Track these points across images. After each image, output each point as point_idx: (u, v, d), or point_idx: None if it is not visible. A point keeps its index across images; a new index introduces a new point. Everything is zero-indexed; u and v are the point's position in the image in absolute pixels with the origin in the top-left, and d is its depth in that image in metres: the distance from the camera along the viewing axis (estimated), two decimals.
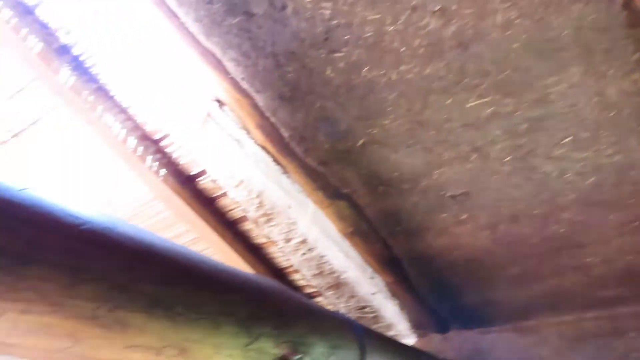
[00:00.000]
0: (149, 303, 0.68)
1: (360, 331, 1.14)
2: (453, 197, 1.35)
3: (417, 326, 1.94)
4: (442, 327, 1.92)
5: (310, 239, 1.63)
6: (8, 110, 1.19)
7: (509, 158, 1.20)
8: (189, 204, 1.32)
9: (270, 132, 1.33)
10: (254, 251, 1.56)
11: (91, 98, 1.14)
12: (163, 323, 0.69)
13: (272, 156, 1.40)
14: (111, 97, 1.18)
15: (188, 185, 1.35)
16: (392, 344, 1.29)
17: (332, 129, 1.26)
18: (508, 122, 1.12)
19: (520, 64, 1.01)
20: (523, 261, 1.50)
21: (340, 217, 1.55)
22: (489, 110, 1.11)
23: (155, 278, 0.70)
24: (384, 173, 1.35)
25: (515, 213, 1.34)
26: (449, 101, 1.11)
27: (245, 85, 1.22)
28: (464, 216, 1.40)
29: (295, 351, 0.90)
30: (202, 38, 1.15)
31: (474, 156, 1.22)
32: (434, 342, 1.96)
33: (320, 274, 1.76)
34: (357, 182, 1.40)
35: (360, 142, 1.27)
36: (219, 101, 1.31)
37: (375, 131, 1.23)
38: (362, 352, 1.10)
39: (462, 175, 1.28)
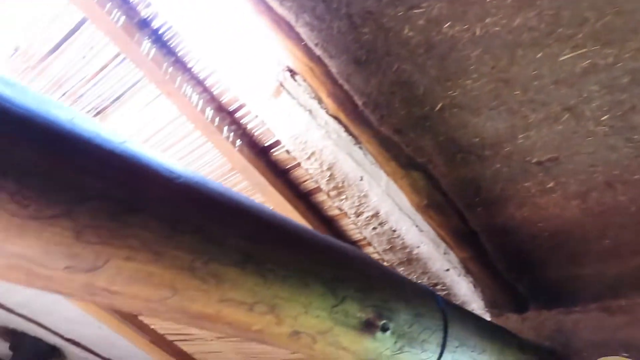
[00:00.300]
0: (241, 258, 0.68)
1: (441, 302, 1.10)
2: (539, 163, 1.26)
3: (492, 305, 1.85)
4: (520, 307, 1.82)
5: (382, 213, 1.59)
6: (93, 86, 1.25)
7: (606, 117, 1.10)
8: (264, 175, 1.33)
9: (343, 100, 1.30)
10: (327, 223, 1.55)
11: (171, 70, 1.17)
12: (254, 279, 0.69)
13: (344, 126, 1.37)
14: (189, 69, 1.20)
15: (263, 156, 1.36)
16: (473, 317, 1.24)
17: (409, 93, 1.21)
18: (607, 76, 1.02)
19: (624, 6, 0.91)
20: (616, 233, 1.38)
21: (414, 189, 1.49)
22: (585, 63, 1.02)
23: (246, 234, 0.70)
24: (464, 139, 1.28)
25: (611, 179, 1.23)
26: (540, 55, 1.03)
27: (318, 51, 1.20)
28: (551, 184, 1.31)
29: (379, 316, 0.88)
30: (274, 4, 1.14)
31: (565, 116, 1.13)
32: (510, 322, 1.86)
33: (392, 249, 1.72)
34: (434, 150, 1.34)
35: (439, 106, 1.21)
36: (290, 70, 1.29)
37: (455, 93, 1.17)
38: (445, 323, 1.06)
39: (551, 138, 1.19)
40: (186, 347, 2.58)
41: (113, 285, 0.59)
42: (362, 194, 1.55)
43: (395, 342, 0.93)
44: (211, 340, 2.36)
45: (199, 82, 1.23)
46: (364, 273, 0.91)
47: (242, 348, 2.34)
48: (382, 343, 0.90)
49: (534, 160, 1.26)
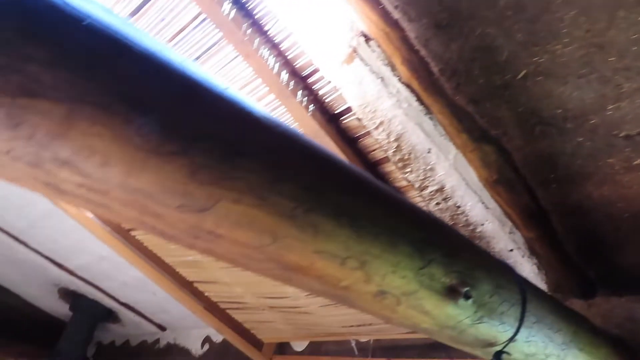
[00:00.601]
0: (337, 211, 0.67)
1: (519, 277, 1.07)
2: (628, 137, 1.19)
3: (556, 289, 1.79)
4: (587, 292, 1.75)
5: (447, 187, 1.56)
6: (172, 48, 1.27)
7: None
8: (335, 142, 1.32)
9: (418, 67, 1.26)
10: None
11: (249, 32, 1.18)
12: (348, 233, 0.68)
13: (417, 95, 1.34)
14: (265, 32, 1.20)
15: (334, 123, 1.35)
16: (547, 296, 1.19)
17: (490, 59, 1.16)
18: None
19: None
20: None
21: (484, 164, 1.44)
22: None
23: (341, 187, 0.70)
24: (545, 110, 1.22)
25: None
26: None
27: (397, 14, 1.16)
28: (638, 161, 1.23)
29: (463, 283, 0.86)
30: None
31: None
32: (575, 308, 1.80)
33: (455, 225, 1.68)
34: (511, 121, 1.29)
35: (522, 73, 1.16)
36: (365, 36, 1.27)
37: (542, 59, 1.11)
38: (523, 298, 1.02)
39: None
40: (237, 316, 2.65)
41: (218, 228, 0.60)
42: (428, 167, 1.52)
43: (476, 312, 0.90)
44: (263, 310, 2.41)
45: (274, 45, 1.22)
46: (449, 239, 0.89)
47: (292, 319, 2.37)
48: (463, 311, 0.88)
49: (622, 134, 1.19)
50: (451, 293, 0.85)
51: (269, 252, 0.65)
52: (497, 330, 0.97)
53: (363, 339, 2.39)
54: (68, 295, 4.03)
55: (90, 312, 4.01)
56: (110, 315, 4.12)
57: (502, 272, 0.99)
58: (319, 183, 0.66)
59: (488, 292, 0.92)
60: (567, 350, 1.17)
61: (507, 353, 1.01)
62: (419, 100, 1.34)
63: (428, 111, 1.37)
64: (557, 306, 1.20)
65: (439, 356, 2.08)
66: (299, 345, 2.79)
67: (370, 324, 2.08)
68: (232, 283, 2.30)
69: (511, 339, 1.00)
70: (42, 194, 0.59)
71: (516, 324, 1.00)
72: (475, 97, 1.27)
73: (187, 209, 0.56)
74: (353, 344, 2.36)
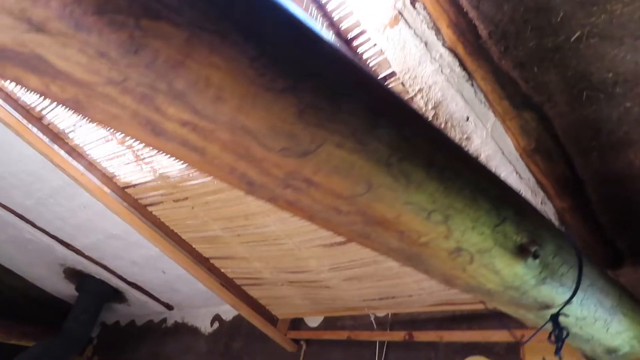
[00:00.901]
0: (427, 161, 0.65)
1: (572, 240, 1.06)
2: None
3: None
4: (614, 262, 1.75)
5: (482, 157, 1.54)
6: None
7: None
8: None
9: (465, 30, 1.23)
10: None
11: None
12: (436, 184, 0.66)
13: (460, 60, 1.30)
14: None
15: None
16: (595, 261, 1.19)
17: (544, 20, 1.12)
18: None
19: None
20: None
21: (523, 132, 1.42)
22: None
23: (431, 139, 0.67)
24: (595, 74, 1.20)
25: None
26: None
27: None
28: None
29: (532, 242, 0.84)
30: None
31: None
32: None
33: None
34: (558, 87, 1.27)
35: (576, 35, 1.13)
36: None
37: (599, 20, 1.08)
38: (580, 260, 1.01)
39: None
40: (253, 292, 2.64)
41: (316, 175, 0.57)
42: (465, 136, 1.50)
43: (540, 272, 0.89)
44: (281, 285, 2.40)
45: (320, 6, 1.19)
46: (517, 198, 0.87)
47: (311, 294, 2.37)
48: (530, 270, 0.87)
49: None
50: (521, 252, 0.83)
51: (358, 203, 0.63)
52: (556, 292, 0.96)
53: (381, 314, 2.40)
54: (74, 275, 4.00)
55: (97, 292, 3.98)
56: (116, 295, 4.10)
57: (560, 233, 0.98)
58: (412, 133, 0.63)
59: (551, 253, 0.91)
60: (614, 315, 1.17)
61: (566, 315, 1.00)
62: (462, 65, 1.31)
63: (470, 77, 1.34)
64: (604, 271, 1.20)
65: (460, 328, 2.10)
66: (314, 321, 2.80)
67: (393, 297, 2.08)
68: (251, 258, 2.28)
69: (568, 302, 0.99)
70: (132, 136, 0.56)
71: (573, 286, 0.99)
72: (523, 61, 1.24)
73: (290, 152, 0.54)
74: (372, 318, 2.36)
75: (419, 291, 1.96)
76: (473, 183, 0.73)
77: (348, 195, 0.61)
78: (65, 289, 4.42)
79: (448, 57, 1.30)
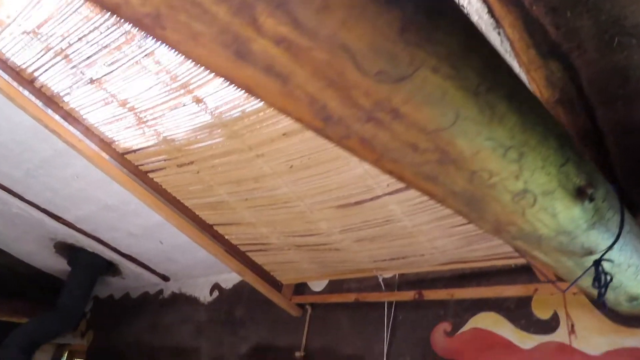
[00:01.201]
0: (510, 93, 0.61)
1: (616, 186, 1.05)
2: None
3: None
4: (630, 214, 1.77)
5: None
6: None
7: None
8: None
9: None
10: None
11: None
12: (516, 118, 0.63)
13: (489, 6, 1.25)
14: None
15: None
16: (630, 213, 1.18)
17: None
18: None
19: None
20: None
21: (547, 83, 1.39)
22: None
23: (509, 71, 0.63)
24: (630, 19, 1.17)
25: None
26: None
27: None
28: None
29: (590, 185, 0.83)
30: None
31: None
32: None
33: None
34: (589, 33, 1.23)
35: None
36: None
37: None
38: (621, 206, 1.01)
39: None
40: (257, 258, 2.61)
41: (405, 105, 0.53)
42: None
43: (592, 216, 0.88)
44: (288, 249, 2.38)
45: None
46: (573, 141, 0.84)
47: (319, 257, 2.36)
48: (585, 214, 0.85)
49: None
50: (580, 194, 0.81)
51: (440, 139, 0.59)
52: (602, 237, 0.95)
53: (388, 275, 2.41)
54: (65, 249, 3.90)
55: (90, 265, 3.90)
56: (110, 268, 4.03)
57: (605, 179, 0.97)
58: (496, 64, 0.59)
59: (602, 197, 0.89)
60: None
61: (610, 260, 1.00)
62: (490, 12, 1.26)
63: (498, 25, 1.29)
64: (636, 220, 1.20)
65: (469, 285, 2.12)
66: (318, 286, 2.80)
67: (404, 257, 2.08)
68: (258, 223, 2.24)
69: (610, 247, 0.99)
70: (205, 62, 0.50)
71: (616, 232, 0.98)
72: (555, 6, 1.19)
73: (386, 76, 0.49)
74: (380, 280, 2.37)
75: (432, 250, 1.96)
76: (544, 120, 0.70)
77: (432, 128, 0.57)
78: (56, 264, 4.32)
79: (477, 3, 1.25)
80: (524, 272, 2.00)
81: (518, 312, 1.98)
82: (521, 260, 1.91)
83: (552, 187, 0.76)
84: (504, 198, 0.75)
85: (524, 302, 1.97)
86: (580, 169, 0.81)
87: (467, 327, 2.09)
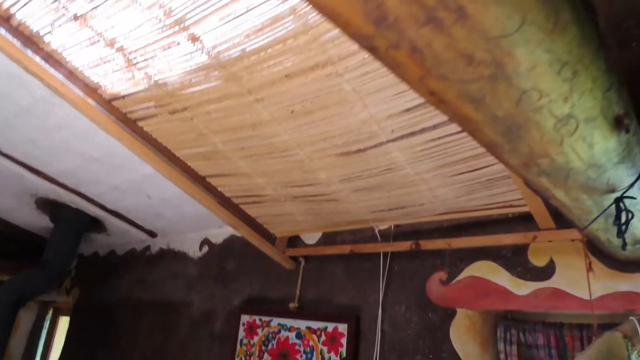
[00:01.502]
0: (572, 1, 0.56)
1: None
2: None
3: None
4: None
5: None
6: None
7: None
8: None
9: None
10: None
11: None
12: (575, 30, 0.58)
13: None
14: None
15: None
16: None
17: None
18: None
19: None
20: None
21: None
22: None
23: None
24: None
25: None
26: None
27: None
28: None
29: (627, 115, 0.79)
30: None
31: None
32: None
33: None
34: None
35: None
36: None
37: None
38: None
39: None
40: (250, 210, 2.57)
41: (473, 2, 0.47)
42: None
43: (624, 149, 0.85)
44: (284, 201, 2.34)
45: None
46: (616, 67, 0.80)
47: (316, 209, 2.33)
48: (618, 146, 0.82)
49: None
50: (618, 124, 0.78)
51: (500, 48, 0.54)
52: (627, 173, 0.94)
53: (384, 226, 2.40)
54: (47, 205, 3.78)
55: (73, 222, 3.81)
56: (95, 225, 3.94)
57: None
58: None
59: (634, 130, 0.86)
60: None
61: (632, 197, 0.99)
62: None
63: None
64: None
65: (466, 234, 2.13)
66: (311, 238, 2.79)
67: (402, 207, 2.06)
68: (253, 174, 2.18)
69: (632, 184, 0.97)
70: None
71: (638, 172, 0.97)
72: None
73: None
74: (376, 231, 2.36)
75: (432, 199, 1.94)
76: (595, 37, 0.65)
77: (495, 34, 0.52)
78: (38, 221, 4.21)
79: None
80: (521, 221, 2.01)
81: (514, 260, 2.00)
82: (519, 209, 1.92)
83: (595, 114, 0.72)
84: (546, 124, 0.71)
85: (521, 250, 1.99)
86: (621, 96, 0.77)
87: (462, 275, 2.12)
